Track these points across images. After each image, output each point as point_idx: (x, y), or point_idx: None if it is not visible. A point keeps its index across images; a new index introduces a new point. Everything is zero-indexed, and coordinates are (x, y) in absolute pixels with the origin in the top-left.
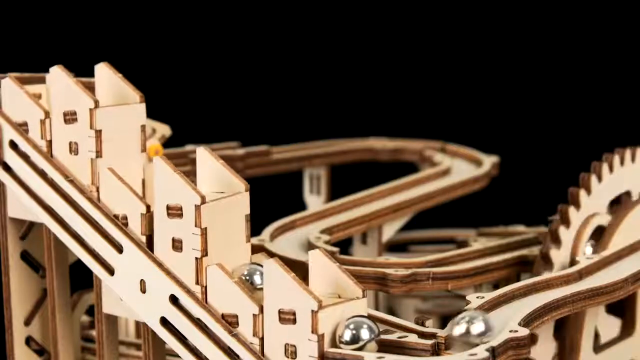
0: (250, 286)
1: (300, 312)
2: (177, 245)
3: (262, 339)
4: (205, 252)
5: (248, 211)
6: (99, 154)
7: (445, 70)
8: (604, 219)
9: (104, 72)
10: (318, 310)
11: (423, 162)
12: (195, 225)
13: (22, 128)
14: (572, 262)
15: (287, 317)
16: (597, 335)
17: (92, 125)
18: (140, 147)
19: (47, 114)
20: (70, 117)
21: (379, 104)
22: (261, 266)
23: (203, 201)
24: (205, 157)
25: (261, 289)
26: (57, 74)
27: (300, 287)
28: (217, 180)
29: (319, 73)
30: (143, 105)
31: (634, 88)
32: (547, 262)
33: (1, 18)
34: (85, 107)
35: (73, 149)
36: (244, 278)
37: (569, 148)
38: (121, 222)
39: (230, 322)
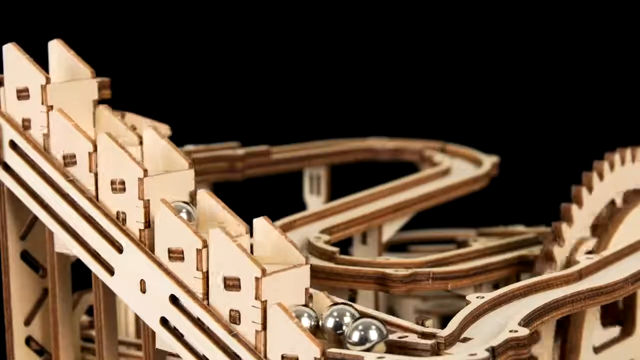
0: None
1: (244, 279)
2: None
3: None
4: None
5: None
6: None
7: (445, 70)
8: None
9: (56, 50)
10: (261, 277)
11: (423, 162)
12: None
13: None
14: (572, 262)
15: (232, 284)
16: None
17: (43, 101)
18: (93, 122)
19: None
20: (22, 94)
21: (379, 104)
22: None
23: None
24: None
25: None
26: (11, 51)
27: (244, 254)
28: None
29: (319, 73)
30: (94, 81)
31: (634, 88)
32: (549, 259)
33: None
34: (37, 83)
35: (25, 126)
36: None
37: (569, 148)
38: (68, 160)
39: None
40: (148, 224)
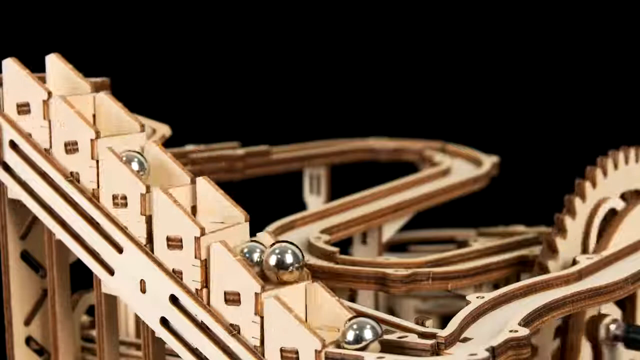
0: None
1: (185, 239)
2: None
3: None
4: None
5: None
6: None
7: (445, 70)
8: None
9: (55, 64)
10: (200, 236)
11: (423, 162)
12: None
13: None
14: (590, 226)
15: (174, 244)
16: None
17: (45, 116)
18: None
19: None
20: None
21: (379, 104)
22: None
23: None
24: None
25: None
26: (11, 67)
27: (185, 215)
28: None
29: (319, 73)
30: (92, 96)
31: (634, 88)
32: (553, 250)
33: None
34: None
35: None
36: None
37: (569, 148)
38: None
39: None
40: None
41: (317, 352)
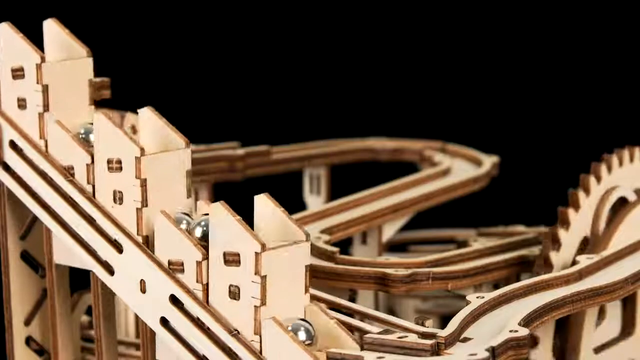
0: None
1: (244, 254)
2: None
3: (206, 285)
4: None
5: (308, 262)
6: (46, 108)
7: (445, 70)
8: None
9: (52, 29)
10: (261, 252)
11: (423, 162)
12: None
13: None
14: (599, 214)
15: (232, 259)
16: None
17: (38, 81)
18: (88, 101)
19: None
20: (17, 74)
21: (379, 104)
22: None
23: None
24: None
25: None
26: (5, 30)
27: (244, 229)
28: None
29: (319, 73)
30: (90, 60)
31: (634, 88)
32: (555, 242)
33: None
34: (32, 63)
35: (21, 105)
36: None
37: (569, 148)
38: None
39: (174, 268)
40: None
41: (257, 255)
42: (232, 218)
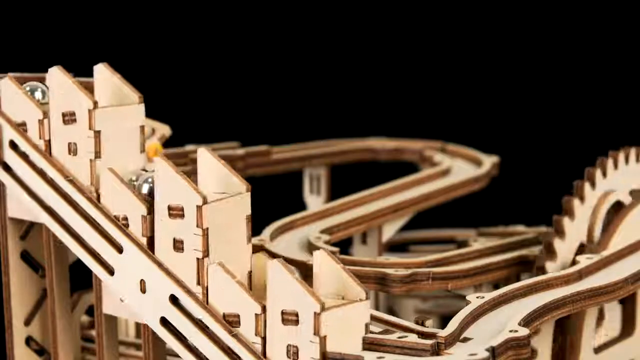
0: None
1: (303, 313)
2: (178, 246)
3: (264, 339)
4: (206, 253)
5: (249, 212)
6: (97, 154)
7: (444, 70)
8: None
9: (102, 73)
10: (321, 312)
11: (423, 162)
12: (197, 226)
13: (21, 128)
14: (597, 211)
15: (290, 318)
16: None
17: (90, 126)
18: (140, 147)
19: (45, 114)
20: (69, 118)
21: (379, 104)
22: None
23: (205, 201)
24: (206, 157)
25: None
26: (56, 74)
27: (303, 288)
28: (218, 180)
29: (319, 73)
30: (142, 106)
31: (634, 88)
32: (560, 233)
33: (1, 18)
34: (84, 108)
35: (72, 149)
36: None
37: (569, 148)
38: (122, 224)
39: (231, 322)
40: None
41: (317, 315)
42: (175, 173)
